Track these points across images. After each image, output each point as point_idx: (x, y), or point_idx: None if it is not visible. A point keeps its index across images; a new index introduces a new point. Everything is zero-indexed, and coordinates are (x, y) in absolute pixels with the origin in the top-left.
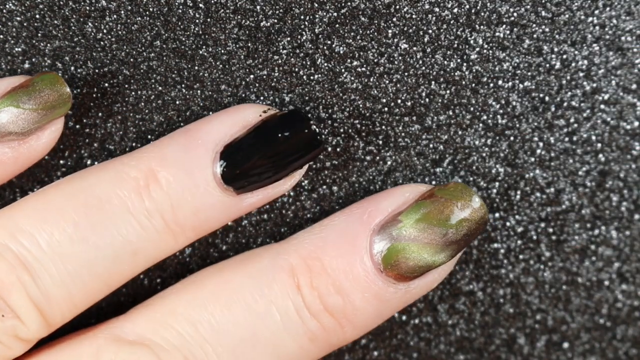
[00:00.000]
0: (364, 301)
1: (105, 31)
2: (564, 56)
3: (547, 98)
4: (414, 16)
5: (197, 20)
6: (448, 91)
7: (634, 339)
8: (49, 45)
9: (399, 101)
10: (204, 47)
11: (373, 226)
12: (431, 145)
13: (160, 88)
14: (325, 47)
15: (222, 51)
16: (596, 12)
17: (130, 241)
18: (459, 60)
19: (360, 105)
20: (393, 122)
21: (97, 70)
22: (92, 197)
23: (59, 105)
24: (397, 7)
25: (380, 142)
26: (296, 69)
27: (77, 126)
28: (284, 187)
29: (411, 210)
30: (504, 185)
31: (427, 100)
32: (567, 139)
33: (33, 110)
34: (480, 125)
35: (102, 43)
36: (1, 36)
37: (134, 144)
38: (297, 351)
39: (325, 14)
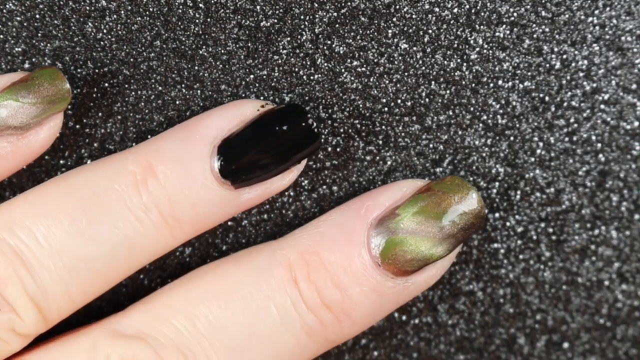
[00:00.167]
0: (362, 295)
1: (105, 31)
2: (564, 56)
3: (547, 98)
4: (414, 16)
5: (197, 20)
6: (448, 91)
7: (634, 339)
8: (49, 45)
9: (399, 101)
10: (204, 47)
11: (371, 220)
12: (431, 145)
13: (160, 88)
14: (325, 47)
15: (222, 51)
16: (596, 12)
17: (128, 235)
18: (459, 60)
19: (360, 105)
20: (393, 122)
21: (97, 70)
22: (89, 191)
23: (58, 100)
24: (397, 7)
25: (380, 142)
26: (296, 69)
27: (77, 126)
28: (283, 183)
29: (408, 203)
30: (504, 185)
31: (427, 100)
32: (567, 139)
33: (32, 104)
34: (480, 125)
35: (102, 43)
36: (1, 36)
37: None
38: (294, 346)
39: (325, 14)
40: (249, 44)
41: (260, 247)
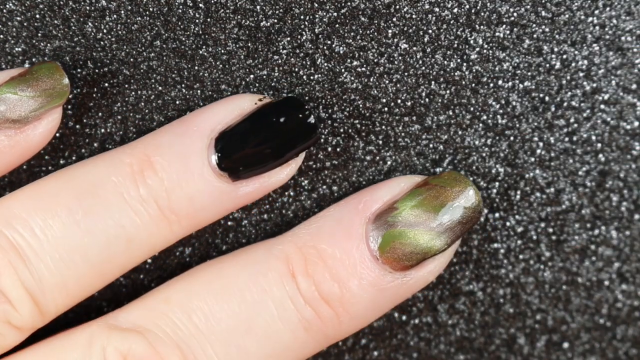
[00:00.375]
0: (361, 289)
1: (105, 31)
2: (564, 56)
3: (547, 98)
4: (414, 16)
5: (197, 20)
6: (448, 91)
7: (634, 339)
8: (49, 45)
9: (399, 101)
10: (204, 47)
11: (369, 215)
12: (431, 145)
13: (160, 88)
14: (325, 47)
15: (222, 51)
16: (596, 12)
17: (124, 227)
18: (459, 60)
19: (360, 105)
20: (393, 122)
21: (97, 70)
22: (86, 183)
23: (57, 94)
24: (397, 7)
25: (380, 142)
26: (296, 69)
27: (77, 126)
28: (281, 177)
29: (406, 197)
30: (504, 185)
31: (427, 100)
32: (567, 139)
33: (31, 97)
34: (480, 125)
35: (102, 43)
36: (1, 36)
37: None
38: (292, 340)
39: (325, 14)
40: (249, 44)
41: (258, 244)
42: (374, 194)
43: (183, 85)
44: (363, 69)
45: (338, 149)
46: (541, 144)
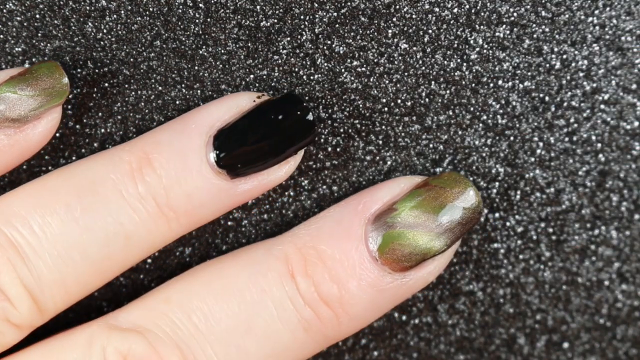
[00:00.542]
0: (360, 290)
1: (105, 31)
2: (564, 56)
3: (547, 98)
4: (414, 16)
5: (197, 20)
6: (448, 91)
7: (634, 339)
8: (49, 45)
9: (399, 101)
10: (204, 47)
11: (368, 215)
12: (431, 145)
13: (160, 88)
14: (325, 47)
15: (222, 51)
16: (596, 12)
17: (122, 224)
18: (459, 60)
19: (360, 105)
20: (393, 122)
21: (97, 70)
22: (85, 180)
23: (56, 93)
24: (397, 7)
25: (380, 142)
26: (296, 69)
27: (77, 126)
28: (280, 175)
29: (406, 198)
30: (504, 185)
31: (427, 100)
32: (567, 139)
33: (30, 96)
34: (480, 125)
35: (102, 43)
36: (1, 36)
37: None
38: (291, 341)
39: (325, 14)
40: (249, 44)
41: (257, 244)
42: (374, 194)
43: (183, 85)
44: (363, 69)
45: (338, 149)
46: (541, 144)
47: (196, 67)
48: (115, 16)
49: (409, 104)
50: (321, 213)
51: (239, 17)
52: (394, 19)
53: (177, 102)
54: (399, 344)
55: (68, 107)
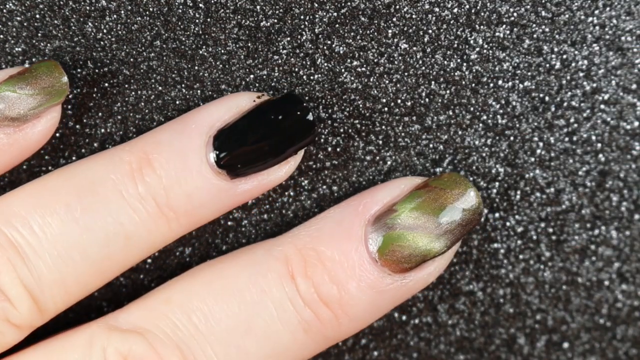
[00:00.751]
0: (359, 291)
1: (105, 31)
2: (564, 56)
3: (547, 98)
4: (414, 16)
5: (197, 20)
6: (448, 91)
7: (634, 339)
8: (49, 45)
9: (399, 101)
10: (204, 47)
11: (368, 217)
12: (431, 145)
13: (160, 88)
14: (325, 47)
15: (222, 51)
16: (596, 12)
17: (123, 224)
18: (459, 60)
19: (360, 105)
20: (393, 122)
21: (97, 70)
22: (85, 180)
23: (56, 92)
24: (397, 7)
25: (380, 142)
26: (296, 69)
27: (77, 126)
28: (280, 175)
29: (406, 199)
30: (504, 185)
31: (427, 100)
32: (567, 139)
33: (30, 95)
34: (480, 125)
35: (102, 43)
36: (1, 36)
37: None
38: (291, 342)
39: (325, 14)
40: (249, 44)
41: (257, 244)
42: (374, 195)
43: (183, 85)
44: (363, 69)
45: (338, 149)
46: (541, 144)
47: (196, 67)
48: (115, 16)
49: (409, 104)
50: (321, 214)
51: (239, 17)
52: (394, 19)
53: (177, 102)
54: (399, 344)
55: (68, 107)
